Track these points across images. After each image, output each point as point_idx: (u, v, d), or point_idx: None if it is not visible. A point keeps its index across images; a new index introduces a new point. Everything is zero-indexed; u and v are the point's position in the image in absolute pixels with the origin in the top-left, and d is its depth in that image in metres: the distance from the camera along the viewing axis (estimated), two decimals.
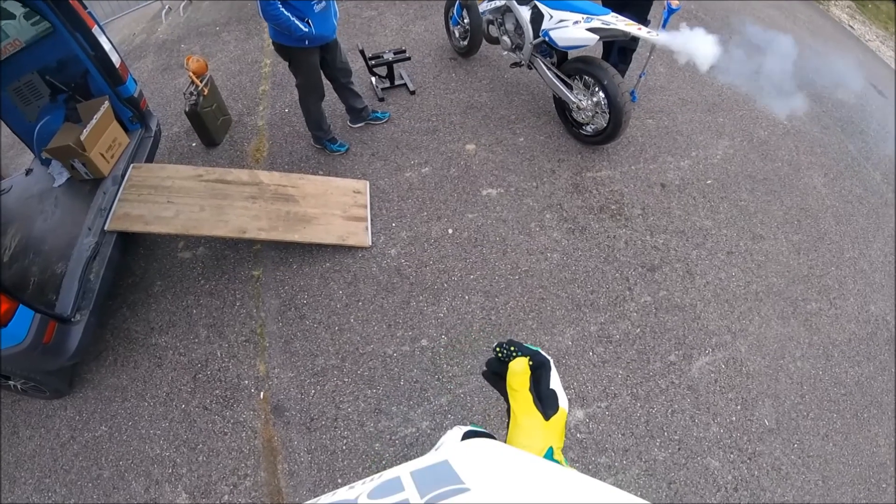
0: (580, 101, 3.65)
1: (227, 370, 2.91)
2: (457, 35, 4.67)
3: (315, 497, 0.58)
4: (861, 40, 9.46)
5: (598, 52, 4.08)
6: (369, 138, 4.04)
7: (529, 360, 0.74)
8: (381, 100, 4.34)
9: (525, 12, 3.71)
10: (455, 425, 1.05)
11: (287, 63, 3.39)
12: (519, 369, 0.74)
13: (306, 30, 3.05)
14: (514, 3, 3.75)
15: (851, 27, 9.82)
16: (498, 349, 0.76)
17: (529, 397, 0.72)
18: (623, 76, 4.19)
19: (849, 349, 3.31)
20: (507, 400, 0.76)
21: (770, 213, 3.89)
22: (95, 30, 3.11)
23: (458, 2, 4.38)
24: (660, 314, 3.19)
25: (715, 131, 4.44)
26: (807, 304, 3.44)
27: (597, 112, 3.65)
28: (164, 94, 4.66)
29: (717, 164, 4.13)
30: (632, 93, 4.33)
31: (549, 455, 0.71)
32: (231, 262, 3.33)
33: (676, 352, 3.07)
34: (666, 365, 3.02)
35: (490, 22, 4.19)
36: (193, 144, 4.06)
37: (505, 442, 0.74)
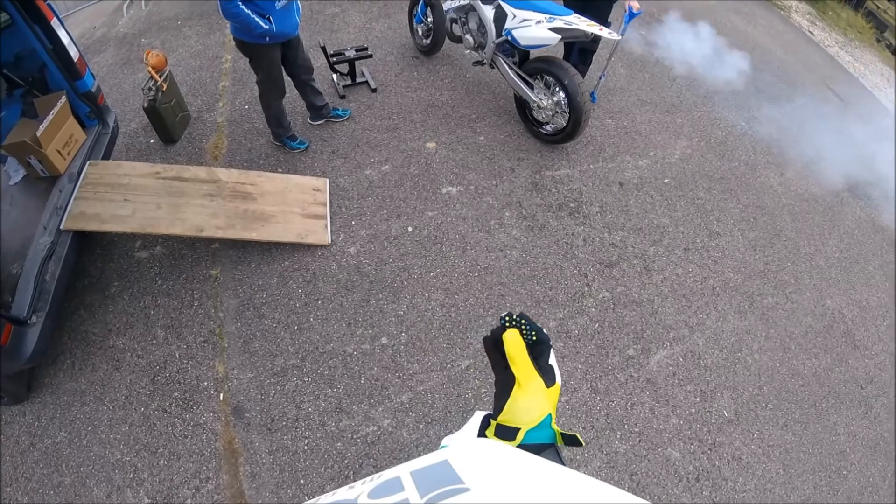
0: (541, 100, 3.70)
1: (186, 372, 2.87)
2: (420, 33, 4.70)
3: (314, 497, 0.58)
4: (821, 46, 9.75)
5: (559, 53, 4.15)
6: (329, 136, 4.02)
7: (534, 334, 0.75)
8: (343, 97, 4.32)
9: (489, 11, 3.75)
10: (476, 409, 1.04)
11: (248, 60, 3.36)
12: (513, 337, 0.74)
13: (267, 27, 3.01)
14: (479, 2, 3.79)
15: (811, 33, 10.12)
16: (507, 318, 0.76)
17: (531, 364, 0.73)
18: (583, 77, 4.26)
19: (805, 342, 3.41)
20: (496, 372, 0.77)
21: (727, 211, 3.99)
22: (54, 22, 3.01)
23: (421, 0, 4.41)
24: (618, 309, 3.24)
25: (673, 132, 4.54)
26: (763, 299, 3.54)
27: (557, 111, 3.71)
28: (122, 90, 4.57)
29: (674, 163, 4.23)
30: (592, 93, 4.41)
31: (548, 421, 0.73)
32: (189, 261, 3.28)
33: (635, 346, 3.12)
34: (625, 359, 3.07)
35: (453, 20, 4.23)
36: (151, 141, 3.98)
37: (493, 409, 0.76)
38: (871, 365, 3.45)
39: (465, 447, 0.63)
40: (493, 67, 4.00)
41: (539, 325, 0.79)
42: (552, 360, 0.76)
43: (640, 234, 3.63)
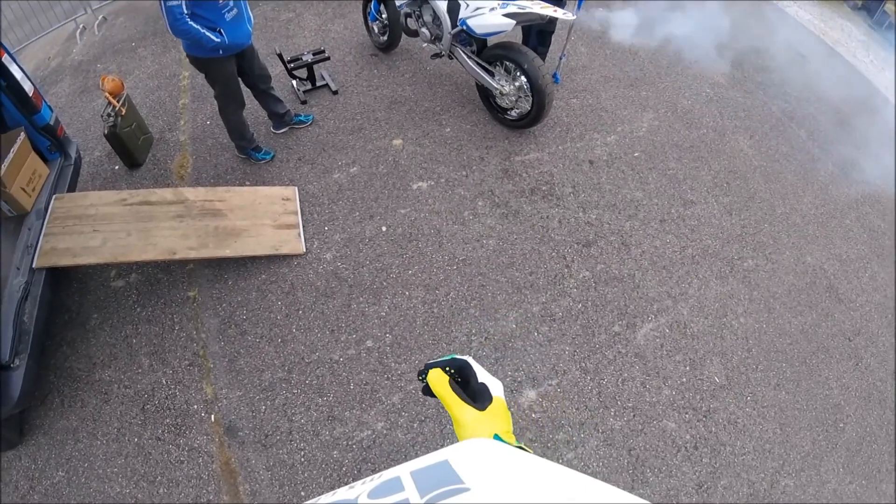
0: (502, 86, 3.68)
1: (175, 397, 2.84)
2: (376, 31, 4.65)
3: (314, 498, 0.57)
4: (779, 6, 9.83)
5: (517, 38, 4.13)
6: (294, 143, 3.98)
7: (446, 367, 0.77)
8: (304, 102, 4.26)
9: (441, 3, 3.71)
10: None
11: (204, 75, 3.31)
12: (434, 378, 0.76)
13: (218, 40, 2.96)
14: None
15: None
16: (419, 377, 0.79)
17: (456, 397, 0.74)
18: (543, 59, 4.25)
19: (789, 300, 3.44)
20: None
21: (699, 179, 4.01)
22: (6, 59, 2.98)
23: None
24: (599, 287, 3.25)
25: (639, 105, 4.54)
26: (743, 262, 3.57)
27: (520, 96, 3.69)
28: (83, 118, 4.49)
29: (643, 136, 4.24)
30: (554, 74, 4.39)
31: (497, 440, 0.73)
32: (165, 285, 3.24)
33: (620, 322, 3.13)
34: (611, 336, 3.08)
35: (408, 15, 4.18)
36: (116, 167, 3.92)
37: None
38: (856, 317, 3.49)
39: (465, 447, 0.63)
40: (452, 58, 3.97)
41: (449, 355, 0.81)
42: (483, 376, 0.77)
43: (614, 211, 3.64)
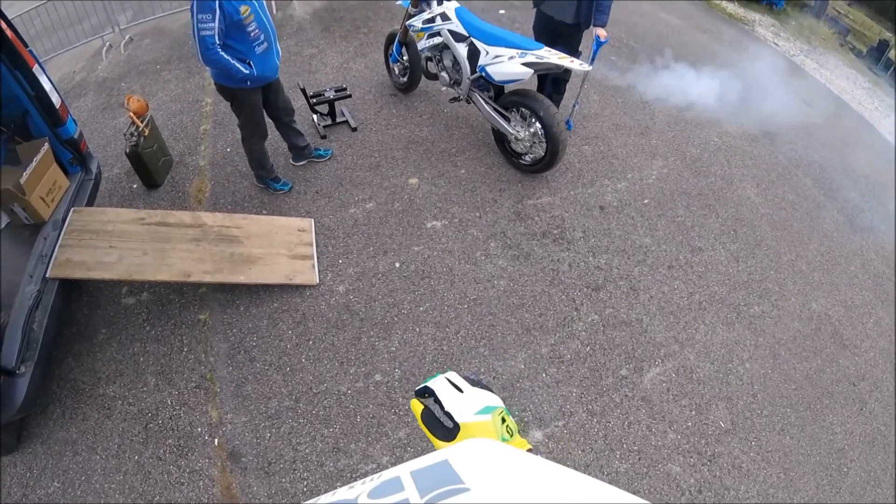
0: (518, 132, 3.80)
1: (179, 418, 2.85)
2: (397, 72, 4.82)
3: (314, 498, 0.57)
4: (786, 56, 10.05)
5: (532, 85, 4.27)
6: (312, 176, 4.09)
7: (425, 394, 0.78)
8: (324, 137, 4.40)
9: (462, 49, 3.86)
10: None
11: (230, 103, 3.41)
12: (413, 409, 0.78)
13: (247, 71, 3.06)
14: (452, 40, 3.90)
15: (776, 44, 10.43)
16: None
17: (428, 433, 0.75)
18: (557, 106, 4.39)
19: (795, 346, 3.48)
20: None
21: (707, 226, 4.09)
22: (36, 69, 3.04)
23: (396, 39, 4.53)
24: (608, 331, 3.30)
25: (649, 153, 4.66)
26: (750, 309, 3.61)
27: (534, 142, 3.81)
28: (104, 134, 4.60)
29: (652, 183, 4.34)
30: (567, 121, 4.53)
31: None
32: (176, 306, 3.29)
33: (627, 366, 3.17)
34: (618, 379, 3.11)
35: (428, 59, 4.34)
36: (134, 186, 4.01)
37: None
38: (861, 362, 3.53)
39: (465, 447, 0.61)
40: (469, 103, 4.11)
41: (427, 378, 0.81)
42: (448, 405, 0.76)
43: (623, 256, 3.71)
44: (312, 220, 3.64)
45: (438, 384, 0.80)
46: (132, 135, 3.70)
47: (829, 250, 4.29)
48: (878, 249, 4.54)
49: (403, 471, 0.56)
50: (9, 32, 2.87)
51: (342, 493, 0.54)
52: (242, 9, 2.90)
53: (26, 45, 3.02)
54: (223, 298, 3.31)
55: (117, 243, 3.07)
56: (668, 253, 3.80)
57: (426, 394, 0.79)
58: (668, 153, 4.71)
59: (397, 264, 3.52)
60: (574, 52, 4.09)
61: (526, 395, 2.99)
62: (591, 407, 2.98)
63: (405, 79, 4.73)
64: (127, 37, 6.31)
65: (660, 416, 2.99)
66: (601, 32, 3.81)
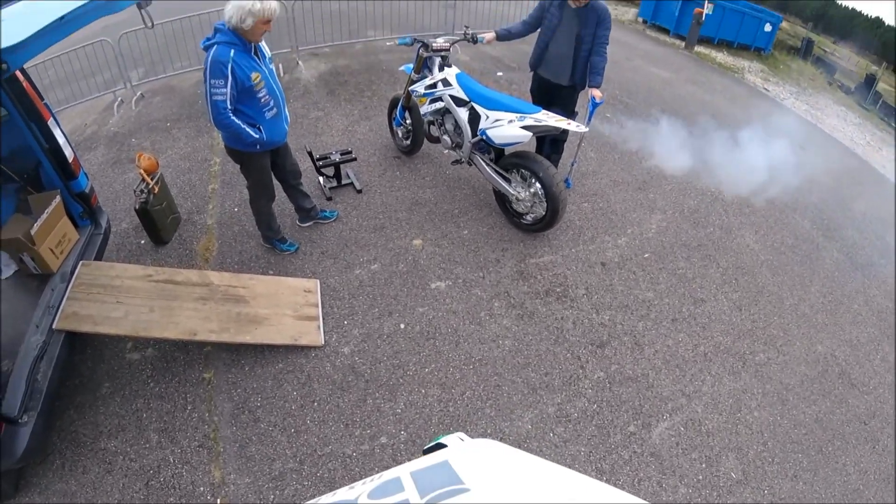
0: (518, 192, 3.93)
1: (181, 477, 2.81)
2: (400, 135, 5.00)
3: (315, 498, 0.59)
4: (777, 100, 10.32)
5: (532, 145, 4.42)
6: (318, 237, 4.16)
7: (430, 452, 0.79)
8: (329, 199, 4.51)
9: (463, 113, 4.04)
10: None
11: (239, 165, 3.50)
12: None
13: (257, 136, 3.12)
14: (453, 104, 4.09)
15: (766, 90, 10.72)
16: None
17: None
18: (556, 165, 4.54)
19: (803, 390, 3.49)
20: None
21: (708, 277, 4.16)
22: (51, 122, 3.12)
23: (399, 104, 4.71)
24: (614, 388, 3.32)
25: (647, 207, 4.78)
26: (755, 356, 3.64)
27: (535, 202, 3.93)
28: (113, 189, 4.69)
29: (652, 237, 4.44)
30: (566, 180, 4.65)
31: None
32: (181, 363, 3.30)
33: (635, 422, 3.17)
34: (626, 436, 3.10)
35: (431, 122, 4.52)
36: (142, 242, 4.07)
37: None
38: (870, 400, 3.54)
39: (465, 447, 0.67)
40: (471, 165, 4.26)
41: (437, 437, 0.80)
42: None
43: (627, 311, 3.77)
44: (318, 281, 3.70)
45: (451, 439, 0.82)
46: (142, 192, 3.76)
47: (831, 291, 4.35)
48: (880, 285, 4.61)
49: (404, 471, 0.60)
50: (26, 85, 2.96)
51: (342, 493, 0.59)
52: (253, 76, 3.01)
53: (42, 98, 3.11)
54: (228, 357, 3.32)
55: (124, 299, 3.12)
56: (671, 306, 3.85)
57: (437, 450, 0.80)
58: (667, 206, 4.83)
59: (402, 325, 3.56)
60: (571, 112, 4.27)
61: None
62: (600, 465, 2.96)
63: (408, 142, 4.90)
64: (139, 93, 6.52)
65: (670, 471, 2.97)
66: (596, 93, 3.97)
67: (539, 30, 4.15)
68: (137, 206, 3.75)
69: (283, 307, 3.41)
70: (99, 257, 3.48)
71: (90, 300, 3.05)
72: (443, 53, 4.19)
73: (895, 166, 8.59)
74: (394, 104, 4.88)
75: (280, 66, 7.46)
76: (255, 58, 3.06)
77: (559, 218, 3.90)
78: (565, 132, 3.96)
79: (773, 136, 7.20)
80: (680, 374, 3.44)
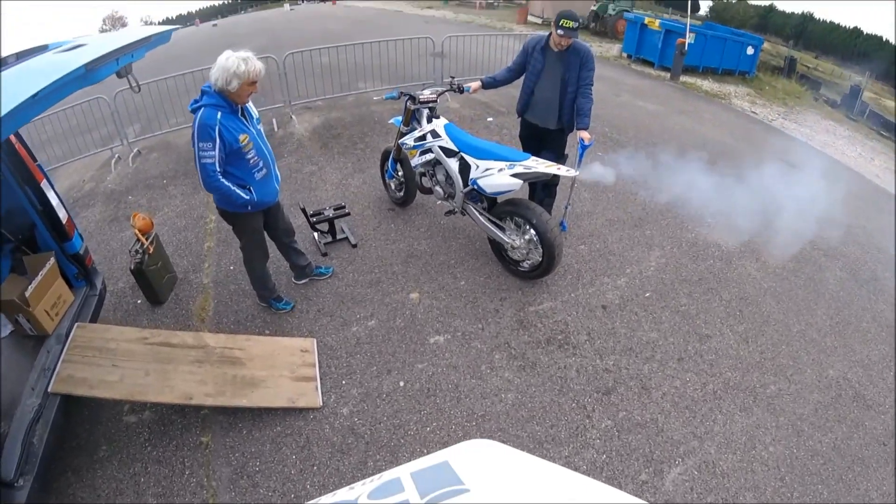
0: (513, 240, 3.93)
1: None
2: (393, 187, 5.05)
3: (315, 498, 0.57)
4: (765, 122, 10.43)
5: (525, 190, 4.45)
6: (314, 294, 4.14)
7: None
8: (325, 254, 4.51)
9: (454, 164, 4.07)
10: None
11: (231, 226, 3.51)
12: None
13: (247, 197, 3.14)
14: (443, 155, 4.12)
15: (754, 112, 10.85)
16: None
17: None
18: (550, 209, 4.56)
19: (817, 419, 3.40)
20: None
21: (711, 311, 4.11)
22: (44, 184, 3.16)
23: (391, 157, 4.77)
24: (623, 436, 3.23)
25: (645, 244, 4.77)
26: (766, 389, 3.56)
27: (531, 248, 3.93)
28: (110, 247, 4.70)
29: (652, 275, 4.41)
30: (561, 223, 4.68)
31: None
32: (178, 427, 3.23)
33: (647, 470, 3.08)
34: (638, 485, 3.01)
35: (422, 174, 4.55)
36: (139, 301, 4.06)
37: None
38: (888, 419, 3.44)
39: (464, 448, 0.65)
40: (464, 215, 4.26)
41: None
42: None
43: (631, 355, 3.71)
44: (315, 340, 3.66)
45: None
46: (137, 252, 3.78)
47: (838, 312, 4.29)
48: (887, 299, 4.55)
49: (403, 472, 0.60)
50: (19, 147, 3.02)
51: (343, 493, 0.59)
52: (241, 137, 3.03)
53: (35, 160, 3.16)
54: (225, 421, 3.26)
55: (120, 362, 3.10)
56: (676, 345, 3.79)
57: None
58: (664, 242, 4.82)
59: (401, 383, 3.50)
60: (560, 155, 4.31)
61: None
62: None
63: (401, 193, 4.95)
64: (135, 149, 6.68)
65: None
66: (585, 135, 4.00)
67: (524, 75, 4.23)
68: (133, 267, 3.78)
69: (279, 368, 3.37)
70: (94, 318, 3.47)
71: (85, 363, 3.05)
72: (430, 105, 4.25)
73: None
74: (385, 157, 4.94)
75: (274, 120, 7.64)
76: (243, 119, 3.09)
77: (556, 263, 3.89)
78: (557, 176, 3.98)
79: (765, 161, 7.24)
80: (690, 416, 3.36)
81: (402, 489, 0.57)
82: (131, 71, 2.91)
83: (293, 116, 7.89)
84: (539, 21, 23.69)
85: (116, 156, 6.55)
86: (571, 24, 3.78)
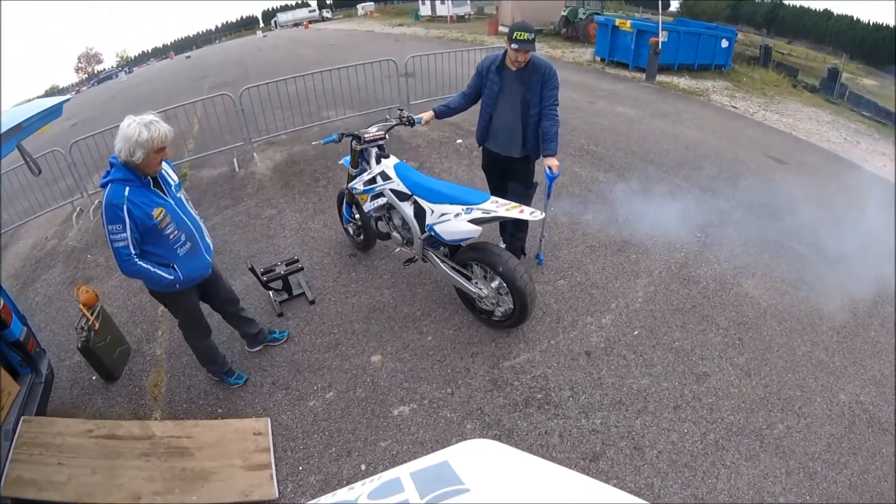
0: (480, 290, 3.51)
1: None
2: (351, 232, 4.67)
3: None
4: (746, 116, 10.19)
5: (495, 225, 4.06)
6: (268, 363, 3.74)
7: None
8: (280, 315, 4.13)
9: (408, 208, 3.66)
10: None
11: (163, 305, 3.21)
12: None
13: (171, 277, 2.82)
14: (396, 200, 3.71)
15: (735, 107, 10.63)
16: None
17: None
18: (524, 244, 4.19)
19: (830, 455, 3.06)
20: None
21: (708, 344, 3.73)
22: None
23: (345, 201, 4.38)
24: None
25: (630, 272, 4.39)
26: (773, 430, 3.19)
27: (500, 294, 3.51)
28: (67, 315, 4.41)
29: (640, 308, 4.01)
30: (537, 255, 4.31)
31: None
32: None
33: None
34: None
35: (377, 219, 4.15)
36: (93, 378, 3.77)
37: None
38: None
39: (464, 448, 0.67)
40: (426, 262, 3.84)
41: None
42: None
43: (621, 409, 3.29)
44: (269, 420, 3.32)
45: None
46: (82, 329, 3.53)
47: (844, 324, 3.97)
48: (893, 299, 4.25)
49: (403, 472, 0.67)
50: None
51: (342, 493, 0.65)
52: (156, 213, 2.69)
53: None
54: None
55: (66, 459, 2.94)
56: (671, 390, 3.39)
57: None
58: (651, 266, 4.45)
59: (363, 466, 3.09)
60: (529, 185, 3.94)
61: None
62: None
63: (361, 238, 4.57)
64: (96, 202, 6.61)
65: None
66: (552, 163, 3.65)
67: (480, 100, 3.84)
68: (79, 345, 3.52)
69: (231, 457, 3.08)
70: (43, 406, 3.30)
71: (33, 462, 2.92)
72: (379, 143, 3.86)
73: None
74: (341, 199, 4.55)
75: (235, 160, 7.36)
76: (156, 191, 2.74)
77: (530, 312, 3.47)
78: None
79: (751, 159, 6.95)
80: (690, 475, 2.96)
81: (402, 489, 0.58)
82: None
83: (255, 154, 7.56)
84: None
85: (78, 208, 6.47)
86: (526, 35, 3.37)
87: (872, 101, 15.25)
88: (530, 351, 3.65)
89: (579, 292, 4.16)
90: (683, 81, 11.93)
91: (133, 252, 2.66)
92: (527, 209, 3.16)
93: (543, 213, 3.19)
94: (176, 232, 2.81)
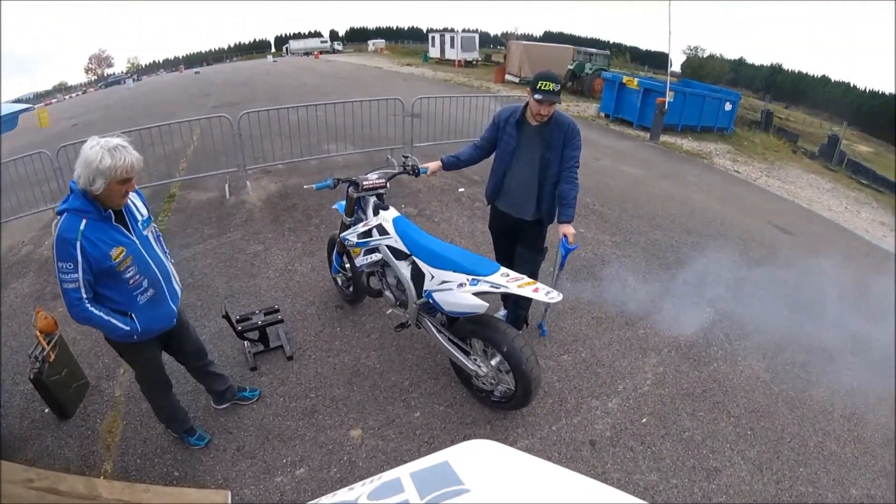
0: (479, 367, 3.15)
1: None
2: (340, 283, 4.30)
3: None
4: (749, 181, 10.14)
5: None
6: (234, 425, 3.33)
7: None
8: (254, 369, 3.73)
9: (404, 268, 3.32)
10: None
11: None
12: None
13: (128, 328, 2.43)
14: (392, 258, 3.37)
15: (737, 171, 10.61)
16: None
17: None
18: (527, 312, 3.88)
19: None
20: None
21: (719, 434, 3.43)
22: None
23: (335, 250, 4.04)
24: None
25: (638, 349, 4.11)
26: None
27: (501, 372, 3.16)
28: (29, 333, 3.98)
29: (648, 391, 3.70)
30: (540, 325, 4.02)
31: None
32: None
33: None
34: None
35: (371, 274, 3.80)
36: (45, 411, 3.39)
37: None
38: None
39: (464, 448, 0.67)
40: (419, 327, 3.47)
41: None
42: None
43: None
44: (230, 494, 2.88)
45: None
46: (36, 358, 3.14)
47: (854, 410, 3.76)
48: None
49: (403, 472, 0.64)
50: None
51: (342, 494, 0.63)
52: (115, 253, 2.30)
53: None
54: None
55: None
56: (681, 488, 3.06)
57: None
58: (660, 344, 4.17)
59: None
60: (538, 250, 3.65)
61: None
62: None
63: (351, 290, 4.22)
64: None
65: None
66: (569, 232, 3.33)
67: (494, 154, 3.57)
68: (31, 376, 3.14)
69: None
70: None
71: None
72: (378, 192, 3.53)
73: None
74: (331, 246, 4.20)
75: (227, 186, 7.11)
76: (119, 226, 2.35)
77: (533, 396, 3.09)
78: (534, 275, 3.31)
79: (756, 229, 6.82)
80: None
81: (402, 489, 0.57)
82: None
83: (248, 182, 7.30)
84: (517, 80, 24.01)
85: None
86: (552, 85, 3.07)
87: (870, 169, 15.40)
88: (530, 437, 3.28)
89: (584, 370, 3.83)
90: (687, 143, 11.96)
91: (84, 296, 2.28)
92: (542, 288, 2.80)
93: (560, 295, 2.78)
94: (137, 277, 2.43)
